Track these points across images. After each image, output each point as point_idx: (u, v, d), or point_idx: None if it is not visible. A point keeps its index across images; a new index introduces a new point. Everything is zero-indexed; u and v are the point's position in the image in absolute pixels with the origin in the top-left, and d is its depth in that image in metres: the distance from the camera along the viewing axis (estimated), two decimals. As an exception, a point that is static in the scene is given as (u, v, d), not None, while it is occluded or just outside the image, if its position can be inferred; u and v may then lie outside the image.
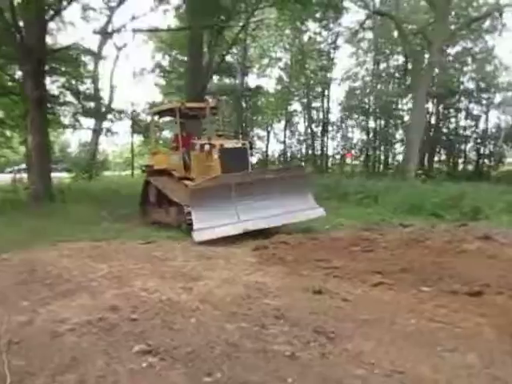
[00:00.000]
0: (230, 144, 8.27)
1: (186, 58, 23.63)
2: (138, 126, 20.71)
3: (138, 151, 35.30)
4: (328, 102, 30.81)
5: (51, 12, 11.57)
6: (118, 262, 5.51)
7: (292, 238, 6.67)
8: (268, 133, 34.40)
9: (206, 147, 7.89)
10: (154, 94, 30.65)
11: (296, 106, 33.72)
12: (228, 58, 24.76)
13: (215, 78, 26.89)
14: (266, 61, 32.09)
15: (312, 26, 28.35)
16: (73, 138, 50.62)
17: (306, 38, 29.33)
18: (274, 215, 7.37)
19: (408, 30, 19.56)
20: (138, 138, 29.66)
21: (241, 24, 17.06)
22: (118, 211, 10.29)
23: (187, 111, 8.66)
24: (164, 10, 17.71)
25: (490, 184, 15.98)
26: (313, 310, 3.60)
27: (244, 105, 30.55)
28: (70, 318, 3.44)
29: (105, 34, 16.50)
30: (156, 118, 10.92)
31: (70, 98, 18.86)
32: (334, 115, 33.17)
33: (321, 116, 31.68)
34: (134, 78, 29.32)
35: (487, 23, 23.18)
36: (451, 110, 29.35)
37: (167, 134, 27.45)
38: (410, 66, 21.09)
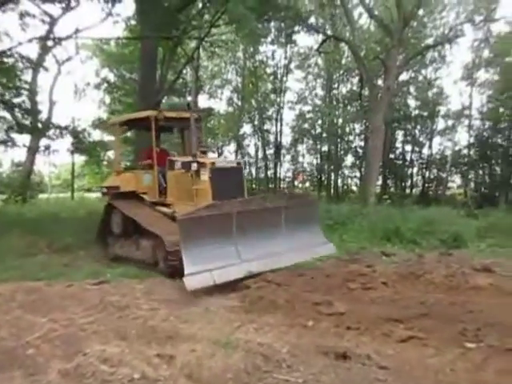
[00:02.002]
0: (222, 163, 6.84)
1: (133, 75, 22.35)
2: (80, 144, 18.86)
3: (79, 172, 33.05)
4: (281, 125, 30.65)
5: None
6: (63, 313, 4.26)
7: (275, 274, 5.67)
8: (219, 155, 33.58)
9: (194, 166, 6.33)
10: (99, 111, 28.60)
11: (247, 128, 33.31)
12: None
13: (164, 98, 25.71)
14: (217, 82, 31.47)
15: (263, 49, 28.38)
16: (5, 157, 46.45)
17: (258, 59, 29.21)
18: (281, 253, 5.99)
19: (362, 56, 19.78)
20: (80, 158, 27.59)
21: (197, 39, 16.23)
22: (59, 240, 8.74)
23: (163, 122, 7.14)
24: (114, 21, 16.48)
25: (446, 208, 16.04)
26: (347, 387, 2.65)
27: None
28: (-8, 424, 2.24)
29: (46, 40, 14.88)
30: (122, 130, 9.03)
31: (1, 112, 16.87)
32: (287, 138, 33.16)
33: (272, 139, 31.44)
34: (75, 95, 27.10)
35: (433, 53, 24.27)
36: (398, 136, 30.21)
37: (111, 154, 25.69)
38: (364, 92, 21.24)
